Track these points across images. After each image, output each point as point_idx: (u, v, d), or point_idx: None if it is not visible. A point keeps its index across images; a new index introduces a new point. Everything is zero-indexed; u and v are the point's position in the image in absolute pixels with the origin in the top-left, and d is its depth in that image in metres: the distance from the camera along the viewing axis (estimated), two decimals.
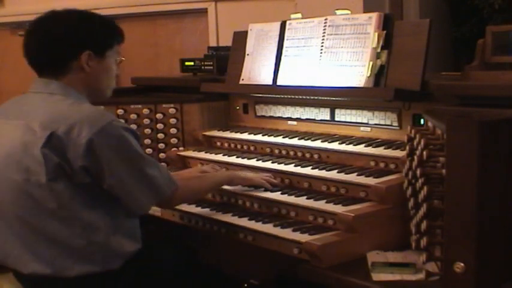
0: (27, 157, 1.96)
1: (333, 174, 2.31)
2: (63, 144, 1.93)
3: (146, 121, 3.06)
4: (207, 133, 3.00)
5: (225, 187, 2.46)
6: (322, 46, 2.64)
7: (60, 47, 2.08)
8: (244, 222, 2.29)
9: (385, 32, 2.44)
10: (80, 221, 1.98)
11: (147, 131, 3.07)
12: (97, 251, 2.00)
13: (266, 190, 2.39)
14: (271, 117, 2.94)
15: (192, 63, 3.39)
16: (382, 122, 2.49)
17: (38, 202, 1.97)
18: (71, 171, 1.94)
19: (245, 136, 2.83)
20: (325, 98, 2.64)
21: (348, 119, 2.62)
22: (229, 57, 3.07)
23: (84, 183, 1.97)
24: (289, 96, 2.81)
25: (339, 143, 2.48)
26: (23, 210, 1.99)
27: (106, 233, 2.01)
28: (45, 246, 1.99)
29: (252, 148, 2.78)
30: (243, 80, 2.94)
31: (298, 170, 2.42)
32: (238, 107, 3.10)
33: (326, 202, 2.20)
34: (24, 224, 2.00)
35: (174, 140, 3.06)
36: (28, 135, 1.98)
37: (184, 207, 2.45)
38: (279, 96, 2.85)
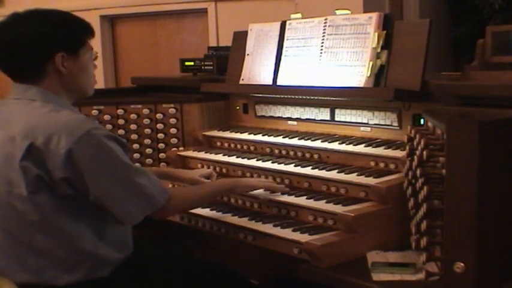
0: (8, 169, 1.91)
1: (333, 174, 2.31)
2: (43, 155, 1.87)
3: (146, 121, 3.06)
4: (207, 133, 3.00)
5: None
6: (322, 46, 2.64)
7: (31, 53, 1.98)
8: (244, 222, 2.29)
9: (385, 32, 2.44)
10: (65, 232, 1.93)
11: (147, 131, 3.07)
12: (85, 261, 1.96)
13: (266, 190, 2.38)
14: (271, 117, 2.94)
15: (192, 63, 3.39)
16: (382, 122, 2.49)
17: (22, 214, 1.92)
18: (52, 183, 1.89)
19: (245, 136, 2.83)
20: (325, 98, 2.64)
21: (348, 119, 2.62)
22: (229, 57, 3.07)
23: (67, 195, 1.91)
24: (289, 96, 2.81)
25: (339, 143, 2.48)
26: (8, 222, 1.95)
27: (93, 243, 1.97)
28: (32, 257, 1.95)
29: (252, 148, 2.78)
30: (243, 80, 2.94)
31: (298, 170, 2.42)
32: (238, 107, 3.10)
33: (326, 202, 2.20)
34: (9, 235, 1.96)
35: (174, 140, 3.06)
36: (8, 146, 1.92)
37: None
38: (279, 96, 2.85)
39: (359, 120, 2.58)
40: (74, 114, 2.01)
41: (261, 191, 2.36)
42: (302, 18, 2.79)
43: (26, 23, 2.01)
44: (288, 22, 2.82)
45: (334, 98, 2.62)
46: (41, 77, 2.01)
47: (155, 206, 2.00)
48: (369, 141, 2.43)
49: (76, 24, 2.08)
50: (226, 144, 2.91)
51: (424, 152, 1.78)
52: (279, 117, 2.90)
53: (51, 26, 2.02)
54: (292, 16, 2.85)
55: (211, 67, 3.31)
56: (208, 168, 2.76)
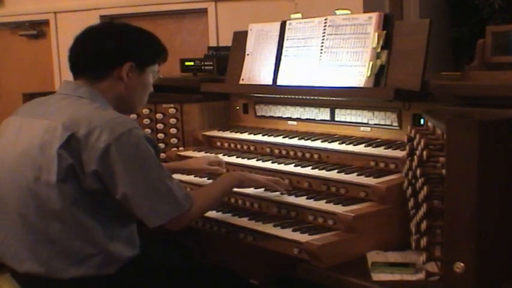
0: (42, 156, 1.96)
1: (333, 174, 2.31)
2: (81, 146, 1.93)
3: (146, 121, 3.06)
4: (207, 133, 3.00)
5: None
6: (322, 46, 2.64)
7: (107, 54, 2.11)
8: (244, 222, 2.29)
9: (385, 32, 2.44)
10: (80, 225, 1.97)
11: (147, 131, 3.06)
12: (94, 256, 1.99)
13: (267, 189, 2.38)
14: (271, 117, 2.94)
15: (192, 63, 3.39)
16: (382, 122, 2.49)
17: (44, 201, 1.96)
18: (82, 175, 1.94)
19: (245, 136, 2.83)
20: (325, 98, 2.65)
21: (348, 119, 2.62)
22: (229, 57, 3.07)
23: (91, 189, 1.95)
24: (289, 96, 2.81)
25: (339, 143, 2.48)
26: (27, 208, 1.99)
27: (104, 239, 2.00)
28: (44, 246, 1.98)
29: (252, 148, 2.78)
30: (243, 80, 2.94)
31: (298, 170, 2.42)
32: (238, 107, 3.10)
33: (326, 202, 2.20)
34: (26, 222, 2.00)
35: (174, 140, 3.06)
36: (48, 134, 1.98)
37: None
38: (279, 96, 2.85)
39: (359, 120, 2.58)
40: (119, 113, 2.07)
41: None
42: (302, 18, 2.79)
43: (113, 30, 2.23)
44: (288, 22, 2.82)
45: (334, 98, 2.62)
46: (103, 77, 2.12)
47: (180, 210, 2.03)
48: (369, 141, 2.43)
49: (153, 45, 2.26)
50: (226, 144, 2.91)
51: (424, 152, 1.78)
52: (279, 117, 2.90)
53: (133, 36, 2.20)
54: (292, 16, 2.85)
55: (211, 67, 3.31)
56: None
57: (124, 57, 2.12)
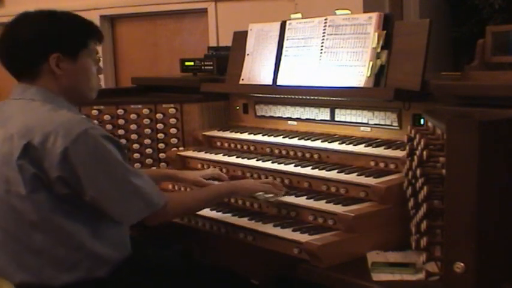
0: (7, 167, 1.91)
1: (333, 174, 2.31)
2: (39, 154, 1.87)
3: (146, 121, 3.06)
4: (207, 133, 3.00)
5: None
6: (322, 46, 2.64)
7: (27, 51, 2.00)
8: (244, 222, 2.29)
9: (385, 32, 2.44)
10: (63, 231, 1.93)
11: (147, 131, 3.07)
12: (83, 260, 1.96)
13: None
14: (271, 117, 2.94)
15: (192, 63, 3.39)
16: (382, 122, 2.49)
17: (20, 214, 1.92)
18: (48, 182, 1.89)
19: (245, 136, 2.83)
20: (325, 98, 2.64)
21: (348, 119, 2.62)
22: (229, 57, 3.07)
23: (64, 194, 1.91)
24: (289, 96, 2.81)
25: (339, 143, 2.48)
26: (6, 222, 1.95)
27: (91, 242, 1.96)
28: (31, 257, 1.95)
29: (252, 148, 2.77)
30: (243, 80, 2.94)
31: (298, 170, 2.42)
32: (238, 107, 3.10)
33: (326, 202, 2.20)
34: (8, 235, 1.96)
35: (174, 140, 3.06)
36: (6, 144, 1.92)
37: None
38: (279, 96, 2.85)
39: (359, 120, 2.58)
40: (72, 113, 2.00)
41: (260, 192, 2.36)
42: (302, 18, 2.79)
43: (27, 22, 2.04)
44: (288, 22, 2.82)
45: (334, 98, 2.62)
46: (35, 76, 2.02)
47: (153, 208, 2.00)
48: (369, 141, 2.43)
49: (79, 27, 2.08)
50: (226, 144, 2.91)
51: (424, 152, 1.78)
52: (279, 117, 2.90)
53: (50, 26, 2.03)
54: (292, 16, 2.85)
55: (211, 67, 3.30)
56: (208, 168, 2.77)
57: (44, 50, 1.98)
